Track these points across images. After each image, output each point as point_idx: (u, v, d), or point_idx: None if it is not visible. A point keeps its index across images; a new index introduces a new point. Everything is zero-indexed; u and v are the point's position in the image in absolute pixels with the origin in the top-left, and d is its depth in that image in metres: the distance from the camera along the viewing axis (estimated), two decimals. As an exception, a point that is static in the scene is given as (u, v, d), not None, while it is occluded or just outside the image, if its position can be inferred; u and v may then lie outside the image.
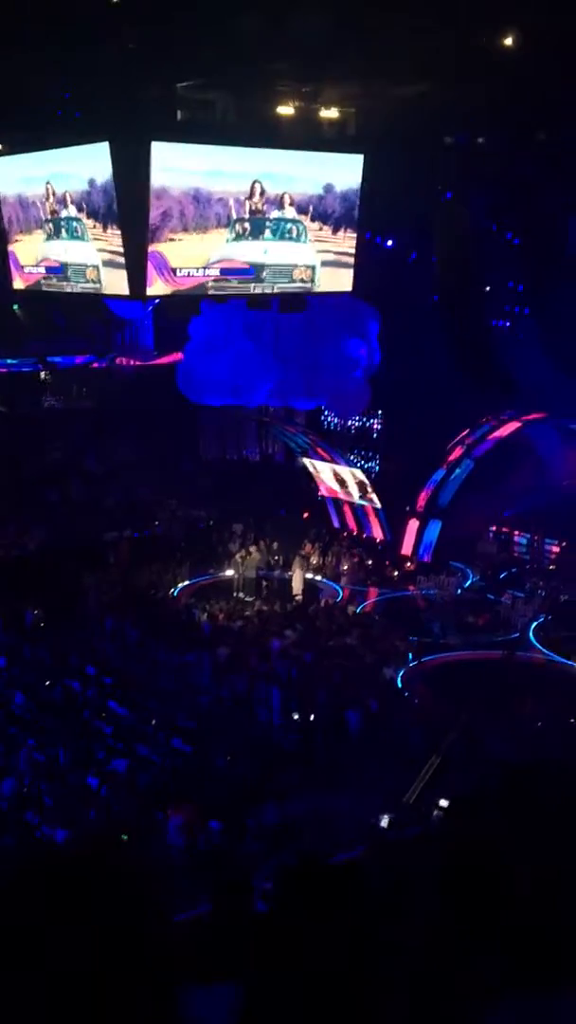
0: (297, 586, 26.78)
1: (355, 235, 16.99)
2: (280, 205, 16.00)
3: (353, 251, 17.09)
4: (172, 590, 26.98)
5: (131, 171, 14.29)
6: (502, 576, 27.56)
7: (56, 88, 15.26)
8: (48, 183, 15.89)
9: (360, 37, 13.19)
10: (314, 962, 1.83)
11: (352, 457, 31.67)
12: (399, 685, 21.00)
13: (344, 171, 16.39)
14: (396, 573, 28.17)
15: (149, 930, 1.54)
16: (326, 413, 33.03)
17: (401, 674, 21.37)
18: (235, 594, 26.69)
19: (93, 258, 15.77)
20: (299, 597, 26.37)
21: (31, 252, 17.36)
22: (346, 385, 24.71)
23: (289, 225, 16.26)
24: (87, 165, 14.86)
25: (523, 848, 2.03)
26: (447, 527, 28.29)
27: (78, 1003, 1.42)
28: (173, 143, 14.55)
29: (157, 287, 15.34)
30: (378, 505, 29.99)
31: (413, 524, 28.94)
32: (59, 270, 16.77)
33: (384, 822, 14.37)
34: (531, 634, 23.66)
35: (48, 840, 13.95)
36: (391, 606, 26.24)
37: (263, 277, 16.41)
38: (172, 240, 15.09)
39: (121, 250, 15.00)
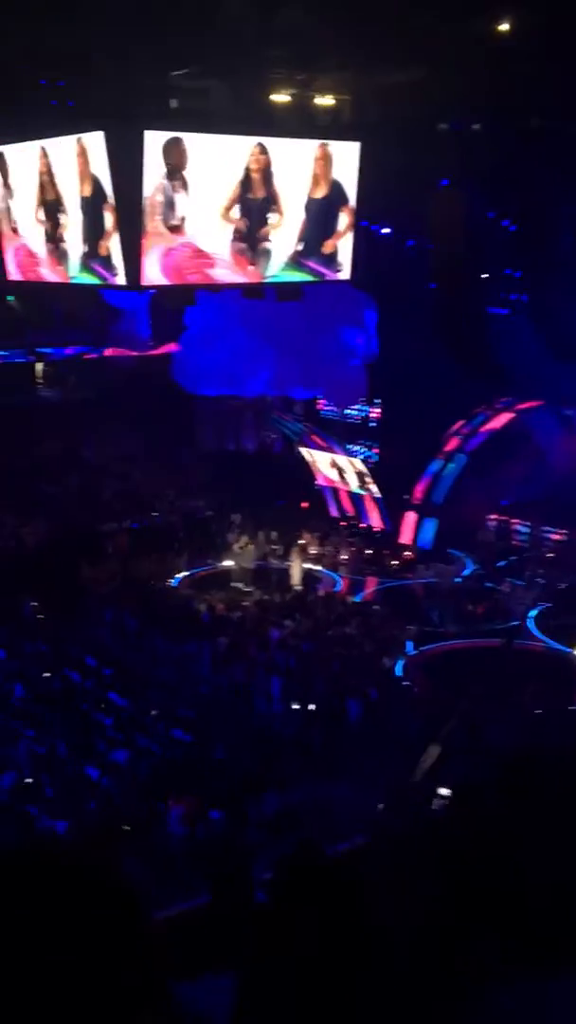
0: (296, 576, 26.80)
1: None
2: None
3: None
4: (171, 581, 27.00)
5: (125, 160, 14.23)
6: (501, 564, 27.59)
7: (49, 77, 15.19)
8: (40, 173, 15.83)
9: (355, 24, 13.13)
10: (313, 953, 1.82)
11: (351, 446, 31.65)
12: (398, 674, 21.03)
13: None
14: (395, 562, 28.19)
15: (142, 923, 1.53)
16: (324, 402, 33.01)
17: (401, 663, 21.40)
18: (234, 584, 26.71)
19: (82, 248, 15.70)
20: (298, 587, 26.40)
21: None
22: (344, 374, 24.69)
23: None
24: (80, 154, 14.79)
25: (522, 835, 2.03)
26: (444, 519, 28.32)
27: (71, 999, 1.40)
28: (166, 131, 14.49)
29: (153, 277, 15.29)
30: (377, 494, 29.99)
31: (411, 516, 28.98)
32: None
33: (383, 808, 14.42)
34: (530, 622, 23.69)
35: (49, 832, 13.98)
36: (390, 595, 26.27)
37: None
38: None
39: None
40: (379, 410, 32.31)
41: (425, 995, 1.82)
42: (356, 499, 30.78)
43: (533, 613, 24.10)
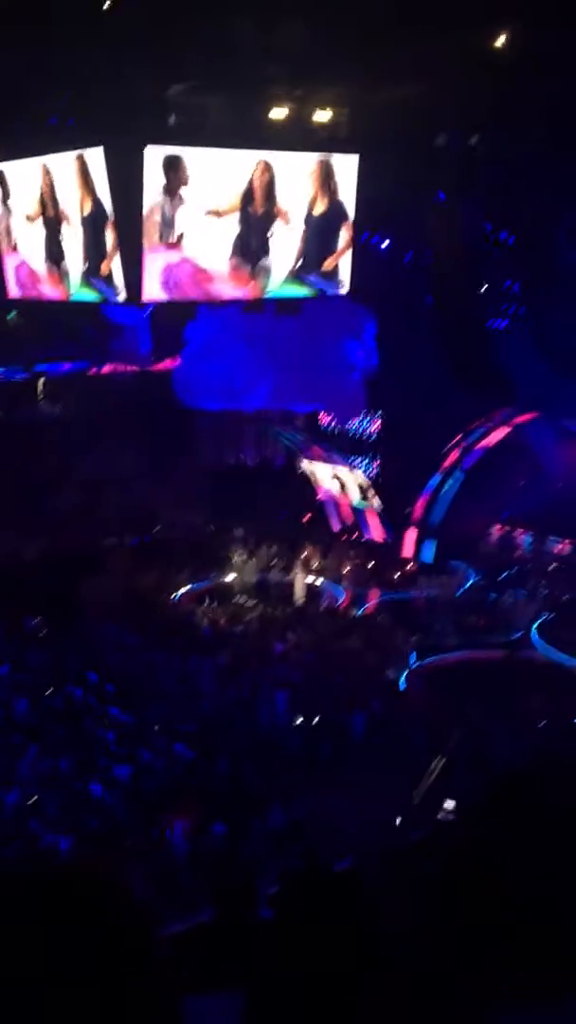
0: (298, 589, 26.77)
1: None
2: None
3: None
4: (173, 595, 26.95)
5: (125, 176, 14.31)
6: (503, 576, 27.54)
7: (50, 94, 15.27)
8: (41, 189, 15.89)
9: (353, 40, 13.20)
10: (319, 968, 1.82)
11: (353, 459, 31.65)
12: (402, 686, 20.97)
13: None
14: (397, 575, 28.15)
15: (151, 940, 1.53)
16: (325, 416, 33.04)
17: (404, 675, 21.34)
18: (236, 598, 26.67)
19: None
20: (300, 600, 26.36)
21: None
22: (343, 387, 24.72)
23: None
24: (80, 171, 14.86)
25: (526, 850, 2.02)
26: (444, 537, 28.24)
27: (81, 1016, 1.40)
28: (166, 146, 14.58)
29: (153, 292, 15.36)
30: (378, 507, 29.97)
31: (412, 532, 28.92)
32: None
33: (398, 821, 14.40)
34: (533, 634, 23.62)
35: (52, 849, 13.93)
36: (393, 608, 26.21)
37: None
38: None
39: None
40: (379, 422, 32.34)
41: (431, 1010, 1.81)
42: (357, 512, 30.76)
43: (536, 625, 24.04)
